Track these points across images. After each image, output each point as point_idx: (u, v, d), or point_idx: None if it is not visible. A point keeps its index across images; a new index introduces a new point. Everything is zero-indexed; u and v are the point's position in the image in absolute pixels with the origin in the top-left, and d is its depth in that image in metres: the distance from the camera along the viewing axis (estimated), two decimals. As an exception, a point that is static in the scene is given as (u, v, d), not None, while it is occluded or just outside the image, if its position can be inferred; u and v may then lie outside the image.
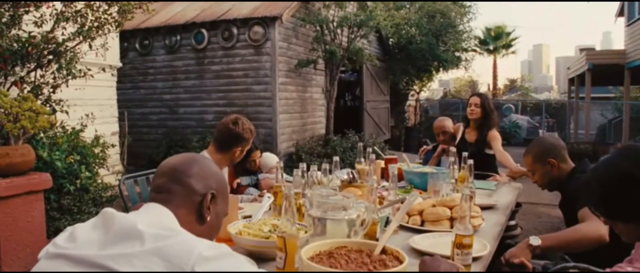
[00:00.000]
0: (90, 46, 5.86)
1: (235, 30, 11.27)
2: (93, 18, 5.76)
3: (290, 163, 10.94)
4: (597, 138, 22.92)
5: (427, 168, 4.46)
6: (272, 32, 10.93)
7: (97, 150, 5.99)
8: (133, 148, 12.39)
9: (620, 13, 20.22)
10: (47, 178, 4.11)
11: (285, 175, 3.22)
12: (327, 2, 11.55)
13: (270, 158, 4.85)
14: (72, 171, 5.23)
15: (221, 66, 11.52)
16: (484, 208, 3.24)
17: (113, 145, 7.44)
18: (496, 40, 28.24)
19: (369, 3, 11.64)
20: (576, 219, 2.86)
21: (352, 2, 12.40)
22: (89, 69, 6.12)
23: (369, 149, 3.67)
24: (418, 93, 22.30)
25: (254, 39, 11.07)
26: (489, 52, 28.61)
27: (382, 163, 4.35)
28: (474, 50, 21.16)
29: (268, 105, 11.05)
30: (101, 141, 6.22)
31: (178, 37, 11.94)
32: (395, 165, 4.21)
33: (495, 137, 4.98)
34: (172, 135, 11.81)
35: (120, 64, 9.45)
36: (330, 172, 3.26)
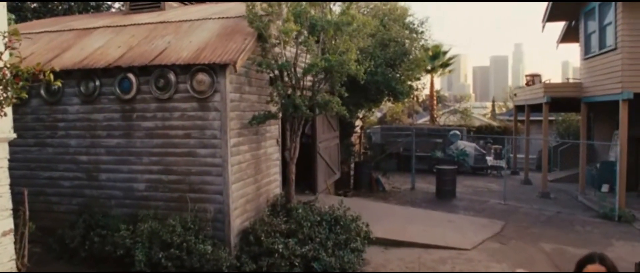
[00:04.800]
0: None
1: (172, 78, 8.45)
2: None
3: (247, 247, 8.32)
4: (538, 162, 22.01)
5: None
6: (221, 81, 8.22)
7: None
8: (39, 221, 9.27)
9: (563, 39, 19.16)
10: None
11: None
12: (286, 38, 8.97)
13: None
14: None
15: (155, 122, 8.66)
16: None
17: None
18: (434, 60, 26.74)
19: (339, 44, 9.17)
20: None
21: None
22: None
23: None
24: (363, 121, 20.18)
25: (199, 90, 8.32)
26: (427, 71, 27.08)
27: None
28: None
29: (217, 174, 8.33)
30: None
31: (97, 83, 8.93)
32: None
33: None
34: (92, 208, 8.81)
35: (13, 136, 6.39)
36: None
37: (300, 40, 8.96)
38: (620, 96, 12.90)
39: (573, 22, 16.91)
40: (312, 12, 9.23)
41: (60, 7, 17.04)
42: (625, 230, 12.15)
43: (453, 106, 36.74)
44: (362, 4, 18.40)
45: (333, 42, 9.37)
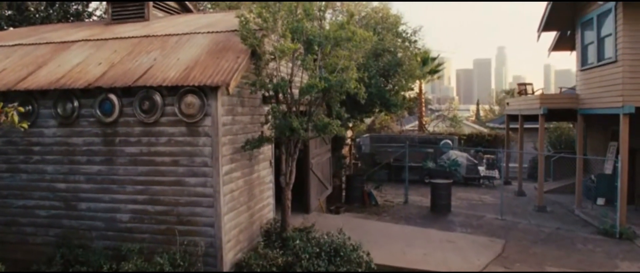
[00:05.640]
0: None
1: (159, 99, 7.69)
2: None
3: (241, 283, 7.60)
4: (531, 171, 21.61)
5: None
6: (213, 104, 7.48)
7: None
8: (12, 254, 8.50)
9: (554, 48, 18.75)
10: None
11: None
12: (280, 54, 8.23)
13: None
14: None
15: (139, 148, 7.88)
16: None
17: None
18: (423, 66, 26.19)
19: (339, 61, 8.45)
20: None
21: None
22: None
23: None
24: (353, 131, 19.52)
25: (188, 114, 7.56)
26: (416, 77, 26.51)
27: None
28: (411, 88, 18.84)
29: (208, 205, 7.58)
30: None
31: (75, 104, 8.12)
32: None
33: None
34: (71, 240, 8.00)
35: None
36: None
37: (297, 57, 8.26)
38: (621, 110, 12.43)
39: (568, 32, 16.46)
40: (308, 25, 8.51)
41: (37, 15, 16.00)
42: (628, 248, 11.68)
43: (439, 111, 36.37)
44: (353, 10, 17.78)
45: (330, 57, 8.68)
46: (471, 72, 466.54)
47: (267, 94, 8.61)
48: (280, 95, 8.26)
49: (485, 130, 26.81)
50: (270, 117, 8.10)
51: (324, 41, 8.38)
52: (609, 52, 13.28)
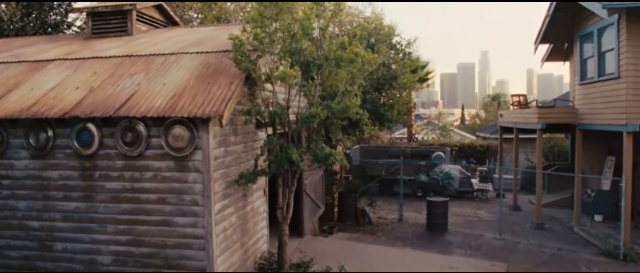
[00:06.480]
0: None
1: (143, 130, 6.86)
2: None
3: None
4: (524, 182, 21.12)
5: None
6: (203, 136, 6.68)
7: None
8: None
9: (547, 58, 18.29)
10: None
11: None
12: (279, 80, 7.48)
13: None
14: None
15: (122, 183, 7.03)
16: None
17: None
18: (413, 74, 25.56)
19: (340, 84, 7.71)
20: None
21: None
22: None
23: None
24: (343, 145, 18.77)
25: (176, 147, 6.75)
26: (406, 86, 25.87)
27: None
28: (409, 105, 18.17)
29: (199, 247, 6.78)
30: None
31: (50, 134, 7.25)
32: None
33: None
34: (44, 285, 7.15)
35: None
36: None
37: (296, 82, 7.49)
38: (625, 128, 11.88)
39: (566, 45, 15.97)
40: (306, 44, 7.74)
41: (12, 27, 14.84)
42: (634, 271, 11.16)
43: (425, 117, 35.87)
44: (345, 20, 17.09)
45: (330, 79, 7.94)
46: (455, 76, 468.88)
47: (262, 121, 7.83)
48: (278, 122, 7.49)
49: (475, 139, 26.30)
50: (266, 149, 7.32)
51: (323, 63, 7.63)
52: (610, 67, 12.75)
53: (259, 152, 7.98)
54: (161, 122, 6.74)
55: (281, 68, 7.64)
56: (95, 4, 11.58)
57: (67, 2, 16.36)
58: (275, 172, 7.61)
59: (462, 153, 21.81)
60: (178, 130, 6.67)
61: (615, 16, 12.10)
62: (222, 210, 7.06)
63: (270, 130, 7.74)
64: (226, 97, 6.75)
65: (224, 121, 6.43)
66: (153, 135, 6.84)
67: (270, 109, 7.32)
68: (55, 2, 16.12)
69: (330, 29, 8.33)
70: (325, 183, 15.09)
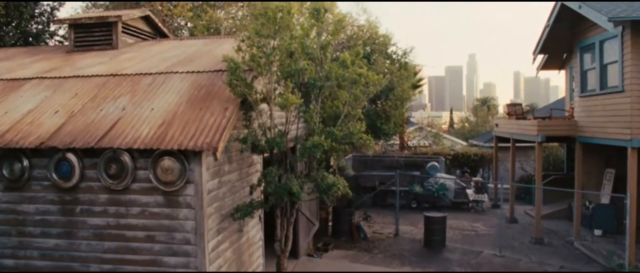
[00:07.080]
0: None
1: (128, 162, 6.20)
2: None
3: None
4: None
5: None
6: (196, 170, 6.04)
7: None
8: None
9: (543, 67, 17.88)
10: None
11: None
12: (275, 104, 6.87)
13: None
14: None
15: (106, 220, 6.37)
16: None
17: None
18: (409, 85, 25.07)
19: (343, 107, 7.13)
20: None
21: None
22: None
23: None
24: (337, 159, 18.16)
25: (165, 181, 6.10)
26: (396, 93, 25.38)
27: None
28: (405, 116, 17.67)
29: (192, 290, 6.15)
30: None
31: (25, 164, 6.56)
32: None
33: None
34: (20, 330, 6.45)
35: None
36: None
37: (294, 107, 6.88)
38: (630, 144, 11.45)
39: (564, 55, 15.54)
40: (305, 64, 7.14)
41: (-11, 37, 14.00)
42: (641, 292, 10.75)
43: (415, 121, 35.46)
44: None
45: (331, 100, 7.36)
46: (443, 79, 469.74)
47: (259, 147, 7.20)
48: (276, 150, 6.87)
49: (467, 146, 25.86)
50: (263, 181, 6.70)
51: (324, 84, 7.05)
52: (613, 80, 12.32)
53: (254, 179, 7.36)
54: (149, 153, 6.08)
55: (279, 89, 7.04)
56: (79, 11, 10.88)
57: (48, 11, 15.54)
58: (274, 204, 7.00)
59: (456, 162, 21.32)
60: (167, 162, 6.03)
61: (619, 28, 11.67)
62: (216, 247, 6.43)
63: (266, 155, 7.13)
64: (220, 125, 6.12)
65: (218, 154, 5.79)
66: (140, 167, 6.18)
67: (268, 136, 6.70)
68: (36, 11, 15.28)
69: (331, 44, 7.73)
70: (319, 198, 14.50)
